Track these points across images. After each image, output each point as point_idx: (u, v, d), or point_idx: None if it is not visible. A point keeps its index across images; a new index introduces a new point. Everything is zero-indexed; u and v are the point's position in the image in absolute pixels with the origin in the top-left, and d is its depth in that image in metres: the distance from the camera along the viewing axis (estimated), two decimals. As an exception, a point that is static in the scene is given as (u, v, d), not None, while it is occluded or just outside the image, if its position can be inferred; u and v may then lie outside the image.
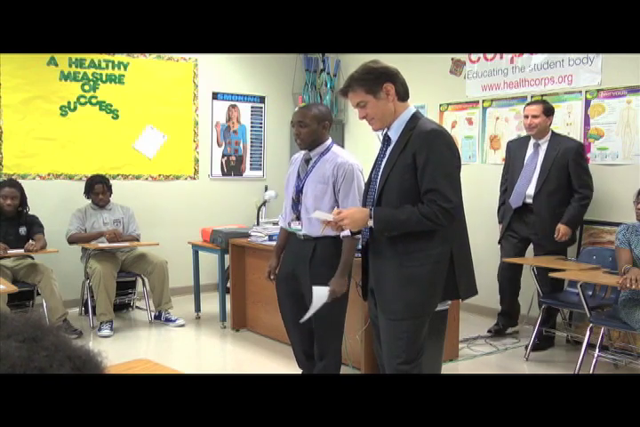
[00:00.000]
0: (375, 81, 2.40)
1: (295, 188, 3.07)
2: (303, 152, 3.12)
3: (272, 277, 3.24)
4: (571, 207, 4.22)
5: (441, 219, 2.32)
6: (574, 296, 4.04)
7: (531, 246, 4.49)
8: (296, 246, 3.12)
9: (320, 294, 2.92)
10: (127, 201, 5.34)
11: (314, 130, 2.97)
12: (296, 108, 2.96)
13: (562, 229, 4.22)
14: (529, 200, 4.35)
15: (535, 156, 4.37)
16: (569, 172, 4.22)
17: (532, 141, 4.41)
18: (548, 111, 4.31)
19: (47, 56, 5.28)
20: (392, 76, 2.43)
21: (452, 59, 5.48)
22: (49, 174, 5.39)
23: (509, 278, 4.54)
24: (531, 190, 4.33)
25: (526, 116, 4.36)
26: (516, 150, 4.53)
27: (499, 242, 4.57)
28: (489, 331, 4.61)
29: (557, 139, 4.33)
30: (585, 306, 3.70)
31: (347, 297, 3.07)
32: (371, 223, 2.38)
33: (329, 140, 3.06)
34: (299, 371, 3.36)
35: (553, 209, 4.25)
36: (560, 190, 4.24)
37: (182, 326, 4.93)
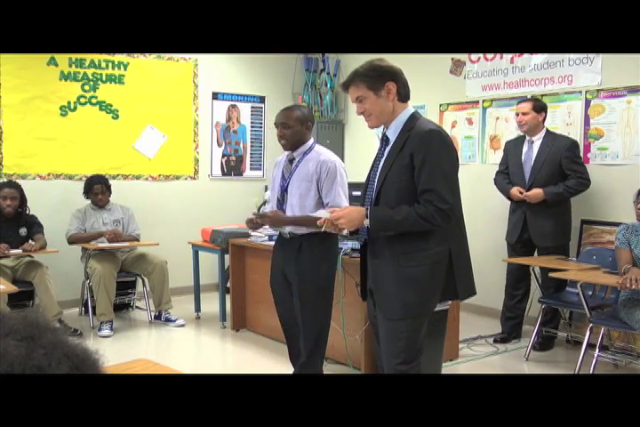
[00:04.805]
0: (378, 78, 2.42)
1: (280, 187, 3.14)
2: (286, 154, 3.19)
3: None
4: (561, 183, 4.18)
5: (437, 219, 2.32)
6: (574, 296, 4.04)
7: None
8: (283, 246, 3.20)
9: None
10: (127, 201, 5.34)
11: (297, 131, 3.07)
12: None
13: (534, 190, 4.20)
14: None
15: (530, 153, 4.37)
16: (561, 169, 4.20)
17: (526, 139, 4.41)
18: (539, 108, 4.30)
19: (47, 56, 5.28)
20: (396, 76, 2.44)
21: (452, 59, 5.48)
22: (49, 174, 5.39)
23: (514, 284, 4.50)
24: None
25: (517, 114, 4.40)
26: (512, 149, 4.52)
27: (506, 239, 4.51)
28: (495, 340, 4.48)
29: (551, 136, 4.34)
30: (585, 306, 3.70)
31: (331, 293, 3.15)
32: (366, 223, 2.38)
33: (311, 140, 3.14)
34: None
35: (545, 205, 4.22)
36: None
37: (182, 326, 4.93)
